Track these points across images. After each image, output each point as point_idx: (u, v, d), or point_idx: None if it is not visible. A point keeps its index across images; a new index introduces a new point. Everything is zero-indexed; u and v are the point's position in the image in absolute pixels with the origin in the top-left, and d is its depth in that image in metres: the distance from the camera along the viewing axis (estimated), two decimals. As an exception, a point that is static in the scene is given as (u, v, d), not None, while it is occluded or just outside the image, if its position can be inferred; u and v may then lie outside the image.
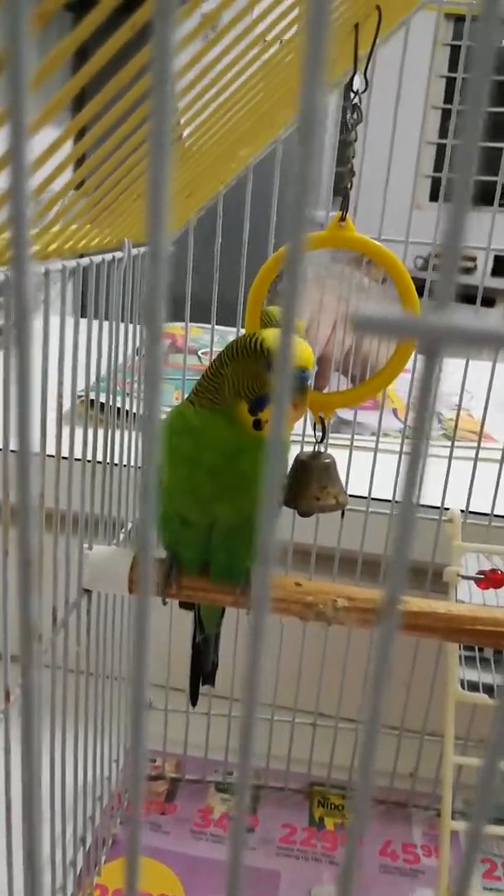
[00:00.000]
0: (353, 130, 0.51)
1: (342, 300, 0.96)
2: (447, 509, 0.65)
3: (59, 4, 0.22)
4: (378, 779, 0.72)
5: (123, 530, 0.62)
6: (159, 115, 0.13)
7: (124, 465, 0.58)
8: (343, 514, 0.62)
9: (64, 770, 0.51)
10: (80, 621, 0.53)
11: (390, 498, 0.67)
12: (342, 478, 0.55)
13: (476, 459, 0.65)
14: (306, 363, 0.46)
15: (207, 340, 0.66)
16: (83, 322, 0.48)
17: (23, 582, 0.15)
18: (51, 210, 0.38)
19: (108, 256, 0.51)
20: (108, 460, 0.55)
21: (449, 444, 0.65)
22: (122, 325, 0.55)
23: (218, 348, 0.49)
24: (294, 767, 0.73)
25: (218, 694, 0.70)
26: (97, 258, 0.49)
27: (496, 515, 0.67)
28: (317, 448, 0.55)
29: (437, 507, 0.66)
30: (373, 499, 0.67)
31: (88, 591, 0.54)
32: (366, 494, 0.66)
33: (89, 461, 0.51)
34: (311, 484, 0.53)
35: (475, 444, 0.65)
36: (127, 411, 0.60)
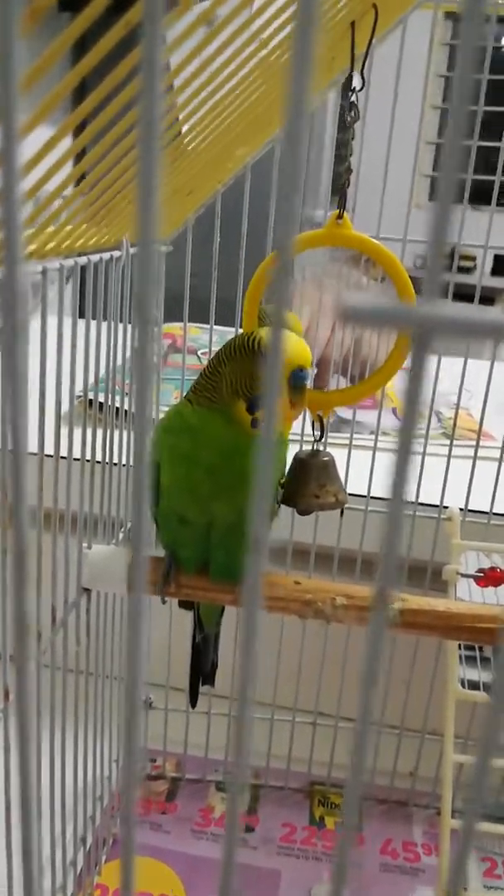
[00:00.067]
0: (350, 129, 0.51)
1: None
2: (446, 508, 0.65)
3: (51, 2, 0.23)
4: (378, 778, 0.72)
5: (122, 530, 0.62)
6: (149, 107, 0.13)
7: (123, 465, 0.59)
8: (342, 512, 0.62)
9: (64, 770, 0.51)
10: (79, 621, 0.53)
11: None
12: (341, 476, 0.55)
13: (475, 458, 0.65)
14: (304, 362, 0.46)
15: (206, 340, 0.67)
16: (81, 321, 0.48)
17: (17, 574, 0.15)
18: (48, 209, 0.38)
19: (106, 256, 0.51)
20: (107, 460, 0.55)
21: (448, 442, 0.65)
22: (120, 325, 0.55)
23: (217, 348, 0.49)
24: (294, 767, 0.73)
25: (218, 693, 0.70)
26: (95, 257, 0.49)
27: (495, 514, 0.67)
28: (315, 446, 0.55)
29: (437, 506, 0.66)
30: (372, 497, 0.67)
31: (88, 591, 0.54)
32: (365, 493, 0.66)
33: (88, 461, 0.51)
34: (310, 482, 0.53)
35: (474, 443, 0.65)
36: (126, 411, 0.60)
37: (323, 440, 0.55)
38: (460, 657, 0.62)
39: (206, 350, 0.84)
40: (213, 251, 0.61)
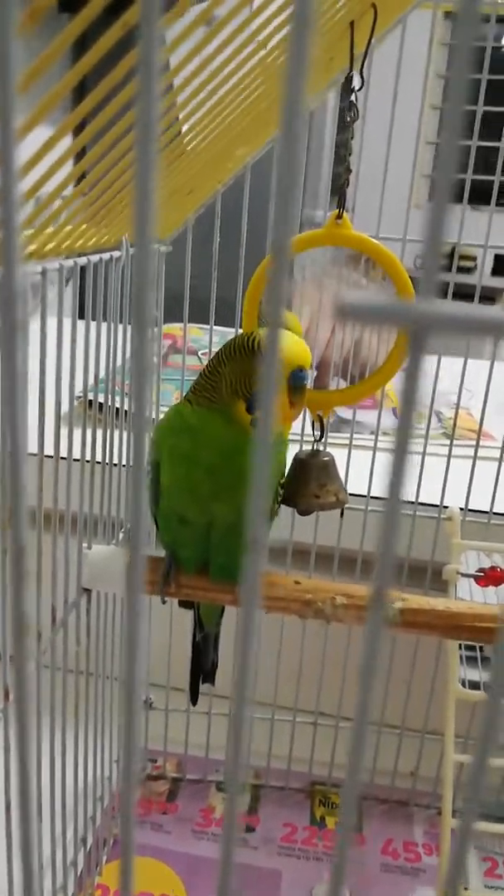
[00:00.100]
0: (350, 129, 0.51)
1: None
2: (446, 507, 0.65)
3: (50, 2, 0.23)
4: (379, 778, 0.72)
5: (122, 530, 0.62)
6: (146, 108, 0.13)
7: (123, 466, 0.59)
8: (342, 512, 0.62)
9: (64, 770, 0.51)
10: (79, 621, 0.53)
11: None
12: (341, 476, 0.55)
13: (475, 458, 0.65)
14: (304, 362, 0.46)
15: (207, 341, 0.67)
16: (81, 322, 0.48)
17: (16, 574, 0.15)
18: (47, 209, 0.38)
19: (106, 256, 0.51)
20: (106, 460, 0.55)
21: (448, 442, 0.65)
22: (120, 325, 0.55)
23: (217, 349, 0.49)
24: (295, 767, 0.73)
25: (218, 693, 0.70)
26: (95, 258, 0.49)
27: (495, 513, 0.67)
28: (315, 446, 0.55)
29: (437, 506, 0.66)
30: (372, 497, 0.67)
31: (88, 591, 0.54)
32: (365, 493, 0.66)
33: (88, 461, 0.52)
34: (310, 482, 0.53)
35: (474, 443, 0.65)
36: (125, 411, 0.60)
37: (323, 440, 0.55)
38: (461, 657, 0.62)
39: (207, 350, 0.84)
40: (212, 251, 0.61)
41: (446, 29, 2.02)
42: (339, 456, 0.56)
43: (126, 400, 0.61)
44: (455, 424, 0.70)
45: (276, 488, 0.51)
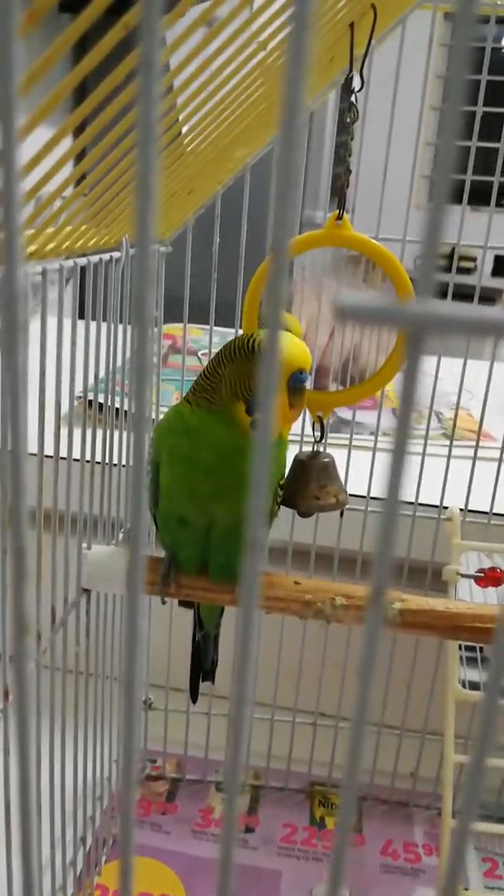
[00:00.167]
0: (349, 129, 0.51)
1: None
2: (446, 508, 0.65)
3: (51, 3, 0.23)
4: (379, 778, 0.72)
5: (122, 530, 0.62)
6: (147, 109, 0.13)
7: (123, 466, 0.59)
8: (342, 513, 0.62)
9: (64, 770, 0.51)
10: (79, 621, 0.53)
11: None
12: (341, 477, 0.56)
13: (475, 458, 0.65)
14: (304, 364, 0.46)
15: (207, 341, 0.67)
16: (81, 322, 0.48)
17: (16, 574, 0.15)
18: (48, 210, 0.38)
19: (106, 256, 0.51)
20: (106, 461, 0.55)
21: (448, 442, 0.66)
22: (120, 326, 0.55)
23: (217, 349, 0.49)
24: (295, 767, 0.73)
25: (218, 694, 0.70)
26: (95, 258, 0.49)
27: (495, 514, 0.67)
28: (315, 447, 0.55)
29: (437, 506, 0.66)
30: (371, 498, 0.67)
31: (87, 591, 0.54)
32: (364, 493, 0.66)
33: (88, 461, 0.52)
34: (310, 483, 0.53)
35: (474, 443, 0.65)
36: (125, 412, 0.60)
37: (323, 441, 0.55)
38: (460, 657, 0.62)
39: (206, 351, 0.84)
40: (212, 251, 0.61)
41: (446, 30, 2.02)
42: (338, 456, 0.56)
43: (126, 400, 0.61)
44: (455, 425, 0.70)
45: (275, 489, 0.51)
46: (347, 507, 0.55)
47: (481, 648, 0.68)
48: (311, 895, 0.63)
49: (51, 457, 0.45)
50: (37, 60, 0.26)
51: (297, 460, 0.54)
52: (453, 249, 0.63)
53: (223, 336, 0.67)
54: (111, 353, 0.54)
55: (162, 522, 0.51)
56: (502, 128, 0.60)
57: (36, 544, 0.44)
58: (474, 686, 0.62)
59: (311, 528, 0.65)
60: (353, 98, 0.51)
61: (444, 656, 0.62)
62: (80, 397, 0.53)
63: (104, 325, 0.52)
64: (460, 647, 0.63)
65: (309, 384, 0.49)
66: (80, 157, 0.37)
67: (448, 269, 0.64)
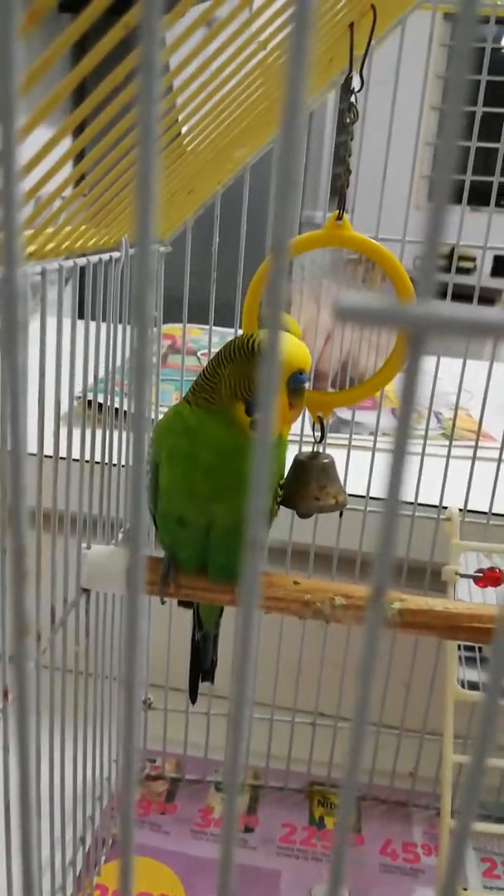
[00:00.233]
0: (349, 130, 0.51)
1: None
2: (445, 508, 0.65)
3: (52, 3, 0.23)
4: (378, 778, 0.72)
5: (122, 530, 0.62)
6: (147, 109, 0.13)
7: (122, 466, 0.59)
8: (342, 513, 0.62)
9: (63, 770, 0.51)
10: (78, 621, 0.53)
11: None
12: (341, 478, 0.56)
13: (474, 458, 0.65)
14: (304, 365, 0.46)
15: (206, 341, 0.67)
16: (80, 322, 0.48)
17: (16, 574, 0.15)
18: (47, 210, 0.38)
19: (106, 256, 0.51)
20: (106, 460, 0.55)
21: (447, 443, 0.66)
22: (119, 326, 0.55)
23: (216, 349, 0.49)
24: (294, 767, 0.73)
25: (217, 693, 0.70)
26: (94, 258, 0.49)
27: (494, 514, 0.67)
28: (315, 448, 0.55)
29: (436, 506, 0.66)
30: (371, 498, 0.67)
31: (87, 591, 0.54)
32: (364, 494, 0.66)
33: (88, 461, 0.52)
34: (310, 484, 0.53)
35: (473, 443, 0.65)
36: (125, 412, 0.60)
37: (323, 442, 0.55)
38: (460, 658, 0.62)
39: (206, 351, 0.84)
40: (212, 252, 0.61)
41: (446, 30, 2.02)
42: (337, 456, 0.56)
43: (125, 400, 0.61)
44: (454, 425, 0.70)
45: (275, 489, 0.51)
46: (347, 507, 0.55)
47: (480, 648, 0.68)
48: (311, 895, 0.63)
49: (50, 457, 0.45)
50: (37, 60, 0.26)
51: (296, 461, 0.54)
52: (453, 249, 0.63)
53: (223, 336, 0.67)
54: (111, 353, 0.54)
55: (161, 522, 0.51)
56: (502, 128, 0.60)
57: (36, 544, 0.44)
58: (473, 686, 0.62)
59: (311, 528, 0.65)
60: (352, 98, 0.51)
61: (443, 656, 0.62)
62: (79, 397, 0.53)
63: (104, 325, 0.52)
64: (459, 647, 0.63)
65: (308, 385, 0.49)
66: (79, 157, 0.37)
67: (447, 270, 0.64)
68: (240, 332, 0.58)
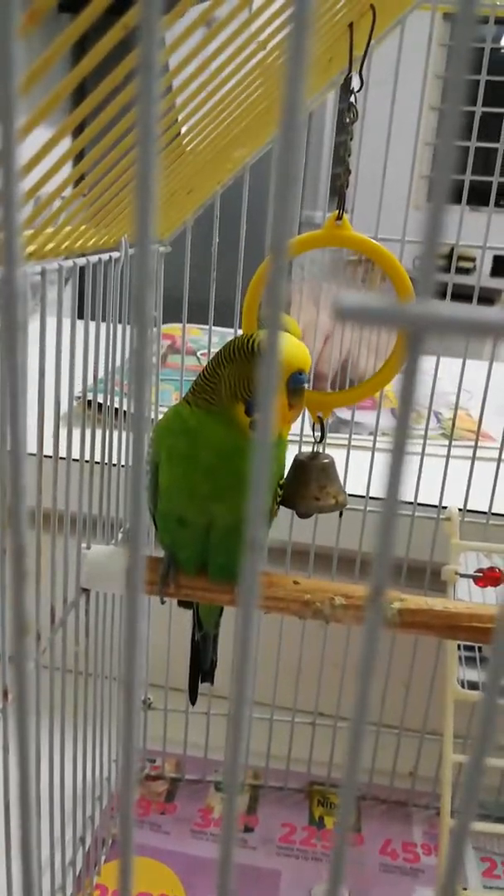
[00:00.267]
0: (349, 130, 0.51)
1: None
2: (445, 508, 0.65)
3: (51, 3, 0.23)
4: (378, 778, 0.72)
5: (121, 530, 0.62)
6: (146, 109, 0.13)
7: (122, 466, 0.59)
8: (341, 513, 0.62)
9: (63, 770, 0.51)
10: (78, 621, 0.53)
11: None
12: (340, 477, 0.56)
13: (474, 458, 0.65)
14: (303, 365, 0.46)
15: (206, 341, 0.67)
16: (80, 322, 0.48)
17: (16, 574, 0.15)
18: (47, 210, 0.38)
19: (105, 256, 0.51)
20: (106, 460, 0.55)
21: (447, 443, 0.66)
22: (119, 326, 0.55)
23: (216, 349, 0.49)
24: (294, 767, 0.73)
25: (217, 694, 0.70)
26: (94, 258, 0.49)
27: (494, 514, 0.67)
28: (315, 448, 0.55)
29: (436, 506, 0.66)
30: (371, 498, 0.67)
31: (87, 591, 0.54)
32: (363, 493, 0.66)
33: (87, 461, 0.52)
34: (310, 484, 0.53)
35: (473, 443, 0.65)
36: (125, 412, 0.60)
37: (323, 442, 0.55)
38: (459, 657, 0.62)
39: (206, 351, 0.84)
40: (212, 252, 0.61)
41: (445, 30, 2.02)
42: (337, 456, 0.56)
43: (125, 400, 0.61)
44: (454, 425, 0.70)
45: (275, 489, 0.51)
46: (346, 506, 0.55)
47: (480, 648, 0.68)
48: (311, 895, 0.63)
49: (50, 457, 0.45)
50: (36, 60, 0.26)
51: (296, 461, 0.54)
52: (452, 249, 0.63)
53: (222, 336, 0.67)
54: (110, 353, 0.54)
55: (161, 522, 0.51)
56: (501, 128, 0.60)
57: (35, 544, 0.44)
58: (473, 686, 0.62)
59: (311, 527, 0.65)
60: (352, 98, 0.51)
61: (442, 656, 0.62)
62: (79, 397, 0.53)
63: (103, 325, 0.52)
64: (459, 646, 0.63)
65: (308, 385, 0.49)
66: (79, 157, 0.37)
67: (447, 270, 0.64)
68: (239, 332, 0.58)
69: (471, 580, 0.61)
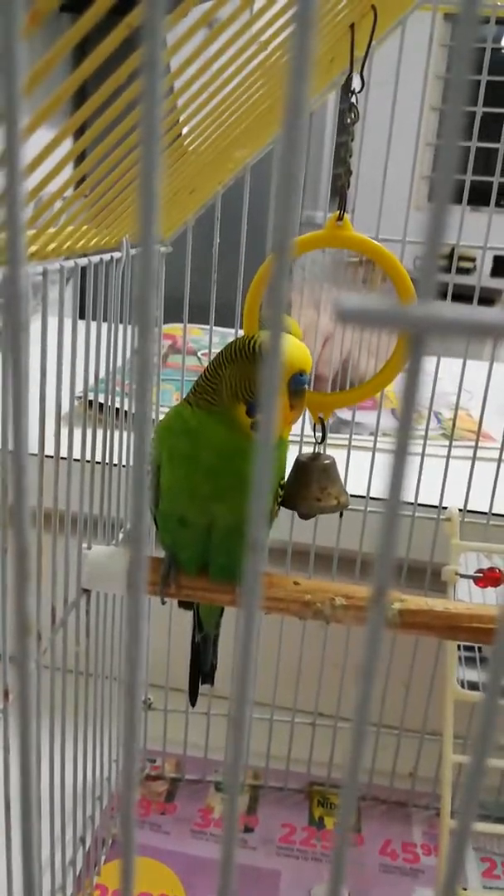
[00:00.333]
0: (349, 130, 0.51)
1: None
2: (445, 508, 0.65)
3: (53, 4, 0.23)
4: (378, 778, 0.72)
5: (122, 530, 0.62)
6: (149, 109, 0.13)
7: (123, 466, 0.59)
8: (342, 514, 0.62)
9: (64, 770, 0.51)
10: (79, 621, 0.53)
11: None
12: (341, 478, 0.56)
13: (474, 458, 0.65)
14: (304, 366, 0.46)
15: (207, 341, 0.67)
16: (81, 322, 0.48)
17: (18, 574, 0.15)
18: (49, 210, 0.38)
19: (107, 256, 0.51)
20: (107, 461, 0.55)
21: (448, 443, 0.66)
22: (120, 326, 0.55)
23: (217, 350, 0.49)
24: (294, 767, 0.73)
25: (217, 694, 0.70)
26: (95, 258, 0.49)
27: (494, 514, 0.67)
28: (316, 449, 0.55)
29: (436, 507, 0.66)
30: (371, 498, 0.67)
31: (87, 591, 0.54)
32: (364, 494, 0.66)
33: (88, 461, 0.52)
34: (311, 485, 0.53)
35: (473, 444, 0.65)
36: (126, 412, 0.60)
37: (324, 443, 0.55)
38: (459, 658, 0.62)
39: (206, 351, 0.84)
40: (213, 252, 0.61)
41: (446, 30, 2.02)
42: (338, 457, 0.56)
43: (126, 400, 0.61)
44: (454, 425, 0.70)
45: (275, 490, 0.51)
46: (347, 507, 0.55)
47: (480, 648, 0.68)
48: (311, 895, 0.63)
49: (51, 457, 0.45)
50: (38, 62, 0.26)
51: (297, 462, 0.54)
52: (453, 250, 0.63)
53: (223, 336, 0.67)
54: (111, 354, 0.54)
55: (162, 523, 0.51)
56: (502, 128, 0.60)
57: (36, 544, 0.44)
58: (473, 686, 0.62)
59: (311, 528, 0.65)
60: (353, 99, 0.51)
61: (442, 656, 0.62)
62: (80, 397, 0.53)
63: (104, 326, 0.52)
64: (459, 647, 0.63)
65: (309, 386, 0.49)
66: (80, 158, 0.37)
67: (447, 270, 0.64)
68: (240, 332, 0.58)
69: (471, 581, 0.61)
